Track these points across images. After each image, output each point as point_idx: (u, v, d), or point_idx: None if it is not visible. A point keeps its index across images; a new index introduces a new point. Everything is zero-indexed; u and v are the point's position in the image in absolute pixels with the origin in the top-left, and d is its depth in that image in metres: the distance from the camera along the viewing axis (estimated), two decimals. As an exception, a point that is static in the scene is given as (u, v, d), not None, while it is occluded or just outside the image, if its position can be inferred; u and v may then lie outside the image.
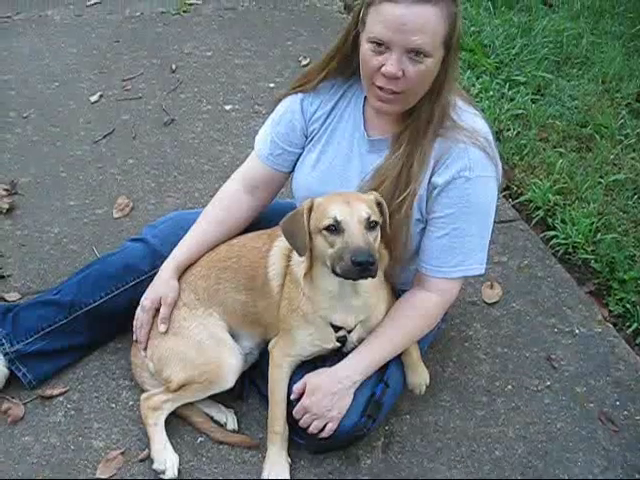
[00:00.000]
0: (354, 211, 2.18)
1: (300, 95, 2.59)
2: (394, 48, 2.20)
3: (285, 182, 2.77)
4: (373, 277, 2.19)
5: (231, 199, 2.73)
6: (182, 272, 2.67)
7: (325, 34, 5.57)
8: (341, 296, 2.35)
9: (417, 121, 2.36)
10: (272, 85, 4.85)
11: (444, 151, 2.37)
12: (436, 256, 2.46)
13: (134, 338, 2.66)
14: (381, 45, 2.21)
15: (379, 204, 2.29)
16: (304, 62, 5.12)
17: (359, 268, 2.12)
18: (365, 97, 2.49)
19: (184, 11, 5.81)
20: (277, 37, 5.52)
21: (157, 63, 5.04)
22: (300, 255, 2.31)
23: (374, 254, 2.14)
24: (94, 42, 5.27)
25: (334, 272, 2.20)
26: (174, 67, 4.99)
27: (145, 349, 2.62)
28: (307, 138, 2.62)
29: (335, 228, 2.18)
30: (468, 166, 2.35)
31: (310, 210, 2.26)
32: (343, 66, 2.47)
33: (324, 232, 2.20)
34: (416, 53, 2.20)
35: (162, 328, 2.58)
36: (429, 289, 2.50)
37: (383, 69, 2.23)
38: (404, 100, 2.33)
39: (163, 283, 2.63)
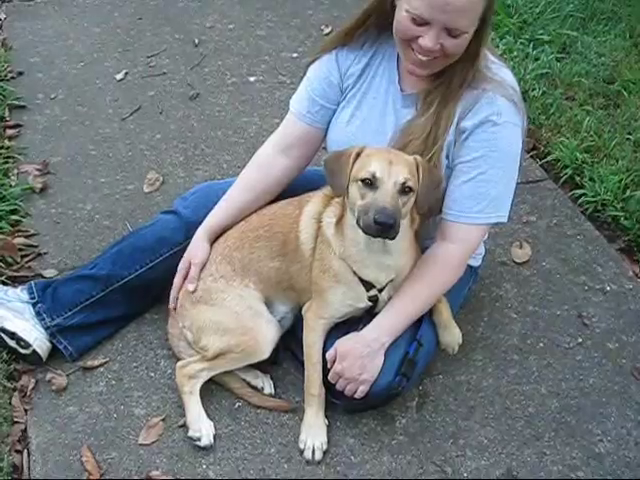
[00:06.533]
0: (393, 172, 2.22)
1: (334, 52, 2.60)
2: (433, 25, 2.22)
3: (321, 142, 2.76)
4: (391, 239, 2.25)
5: (263, 161, 2.76)
6: (216, 235, 2.71)
7: (345, 1, 5.52)
8: (370, 250, 2.38)
9: (449, 83, 2.40)
10: (295, 55, 4.84)
11: (473, 99, 2.40)
12: (460, 201, 2.47)
13: (170, 306, 2.73)
14: (420, 20, 2.23)
15: (418, 168, 2.30)
16: (326, 31, 5.08)
17: (379, 227, 2.17)
18: (398, 53, 2.50)
19: (204, -15, 5.80)
20: (298, 7, 5.49)
21: (180, 38, 5.05)
22: (335, 194, 2.41)
23: (397, 217, 2.18)
24: (117, 20, 5.28)
25: (357, 224, 2.25)
26: (197, 41, 4.99)
27: (175, 309, 2.69)
28: (342, 93, 2.63)
29: (370, 183, 2.23)
30: (497, 112, 2.38)
31: (357, 156, 2.31)
32: (382, 21, 2.46)
33: (360, 183, 2.25)
34: (454, 30, 2.23)
35: (190, 287, 2.64)
36: (450, 239, 2.51)
37: (420, 41, 2.26)
38: (438, 65, 2.36)
39: (194, 245, 2.69)
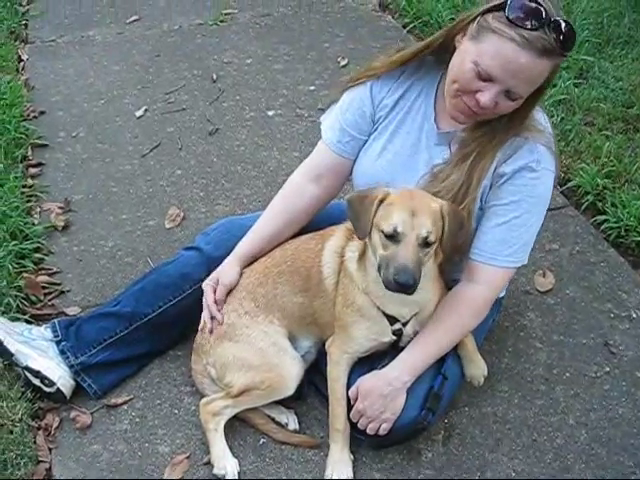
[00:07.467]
0: (416, 225, 2.18)
1: (369, 84, 2.59)
2: (497, 84, 2.23)
3: (351, 172, 2.72)
4: (409, 294, 2.22)
5: (292, 189, 2.76)
6: (246, 264, 2.70)
7: (361, 33, 5.57)
8: None
9: (492, 138, 2.39)
10: (312, 88, 4.88)
11: (515, 146, 2.41)
12: (491, 244, 2.46)
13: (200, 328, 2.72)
14: (486, 76, 2.23)
15: (443, 215, 2.26)
16: (343, 63, 5.12)
17: (397, 286, 2.17)
18: (436, 89, 2.51)
19: (221, 21, 5.86)
20: (314, 40, 5.54)
21: (198, 74, 5.11)
22: (359, 237, 2.37)
23: (417, 276, 2.17)
24: (136, 58, 5.36)
25: (378, 271, 2.25)
26: (215, 77, 5.05)
27: (211, 332, 2.65)
28: (374, 124, 2.63)
29: (392, 236, 2.20)
30: (537, 159, 2.39)
31: (381, 202, 2.27)
32: (438, 58, 2.47)
33: (382, 233, 2.22)
34: (514, 94, 2.25)
35: (217, 307, 2.64)
36: (478, 281, 2.49)
37: (479, 96, 2.26)
38: (484, 117, 2.37)
39: (222, 267, 2.69)
